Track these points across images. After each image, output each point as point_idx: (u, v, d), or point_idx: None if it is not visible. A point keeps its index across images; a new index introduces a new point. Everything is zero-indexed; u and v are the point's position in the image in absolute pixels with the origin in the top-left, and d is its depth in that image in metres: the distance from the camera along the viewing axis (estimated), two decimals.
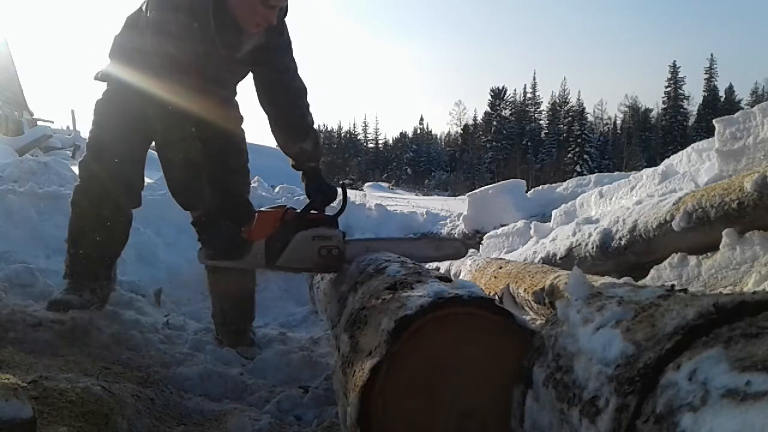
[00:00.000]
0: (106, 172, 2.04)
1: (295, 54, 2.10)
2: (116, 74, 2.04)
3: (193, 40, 1.80)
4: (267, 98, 2.10)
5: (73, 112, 17.85)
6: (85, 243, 2.08)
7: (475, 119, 67.73)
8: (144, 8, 1.90)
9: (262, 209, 1.88)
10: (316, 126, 2.20)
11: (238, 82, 2.18)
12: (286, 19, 2.04)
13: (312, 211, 1.88)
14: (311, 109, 2.14)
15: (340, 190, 1.99)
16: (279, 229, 1.76)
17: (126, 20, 2.06)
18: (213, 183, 2.01)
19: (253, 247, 1.78)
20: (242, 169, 2.24)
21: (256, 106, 2.13)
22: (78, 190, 2.12)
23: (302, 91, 2.11)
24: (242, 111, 2.27)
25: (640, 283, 1.89)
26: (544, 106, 64.79)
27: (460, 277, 2.95)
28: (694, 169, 3.33)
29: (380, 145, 72.55)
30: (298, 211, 1.86)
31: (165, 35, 1.78)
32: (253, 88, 2.13)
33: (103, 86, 2.11)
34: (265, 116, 2.12)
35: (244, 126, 2.27)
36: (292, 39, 2.09)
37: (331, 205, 2.02)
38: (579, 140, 51.82)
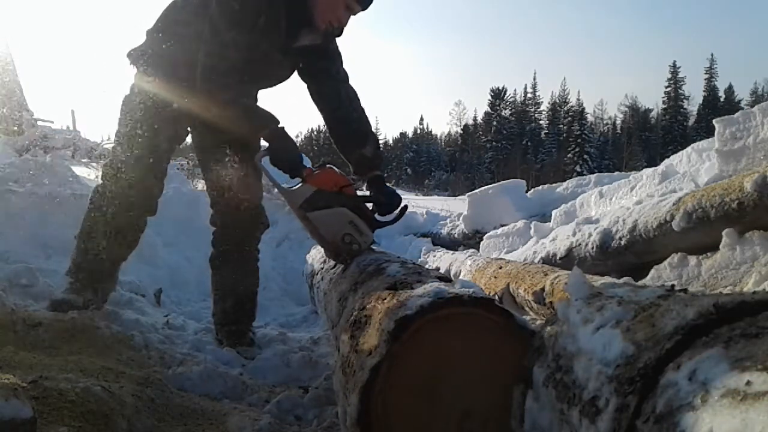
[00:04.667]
0: (130, 178, 2.05)
1: None
2: (147, 65, 2.04)
3: (258, 6, 1.82)
4: (323, 104, 2.10)
5: (73, 112, 17.84)
6: (96, 245, 2.09)
7: (475, 119, 67.77)
8: None
9: (332, 167, 1.85)
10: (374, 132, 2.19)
11: (276, 82, 2.18)
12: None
13: (368, 205, 1.86)
14: (367, 114, 2.14)
15: (401, 207, 1.96)
16: (333, 192, 1.75)
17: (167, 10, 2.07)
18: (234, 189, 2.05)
19: (302, 186, 1.77)
20: (258, 173, 2.24)
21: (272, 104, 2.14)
22: (99, 190, 2.13)
23: (355, 96, 2.12)
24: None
25: (640, 283, 1.89)
26: (544, 106, 64.85)
27: (460, 277, 2.94)
28: (694, 169, 3.32)
29: (380, 145, 72.48)
30: (360, 194, 1.85)
31: None
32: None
33: (130, 77, 2.11)
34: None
35: None
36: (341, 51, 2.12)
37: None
38: (579, 140, 51.81)
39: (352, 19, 1.95)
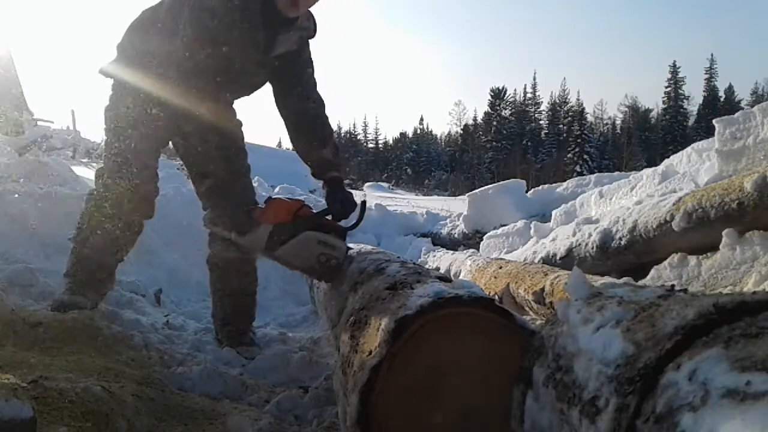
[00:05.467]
0: (123, 186, 2.04)
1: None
2: (123, 74, 2.04)
3: (231, 22, 1.81)
4: (288, 106, 2.11)
5: (73, 112, 17.81)
6: (92, 249, 2.09)
7: (475, 119, 67.75)
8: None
9: (279, 197, 1.86)
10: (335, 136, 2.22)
11: (251, 91, 2.18)
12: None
13: (327, 218, 1.87)
14: (330, 121, 2.17)
15: (359, 206, 1.97)
16: (289, 221, 1.75)
17: (141, 15, 2.07)
18: (222, 188, 2.03)
19: (259, 229, 1.76)
20: (247, 173, 2.24)
21: (257, 107, 2.15)
22: (92, 200, 2.12)
23: (321, 103, 2.14)
24: (248, 112, 2.30)
25: (640, 283, 1.89)
26: (544, 106, 64.84)
27: (460, 277, 2.95)
28: (694, 169, 3.33)
29: (380, 145, 72.57)
30: (315, 212, 1.85)
31: (205, 9, 1.80)
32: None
33: (107, 88, 2.11)
34: (285, 127, 2.14)
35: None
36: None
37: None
38: (579, 140, 51.80)
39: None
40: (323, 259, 1.72)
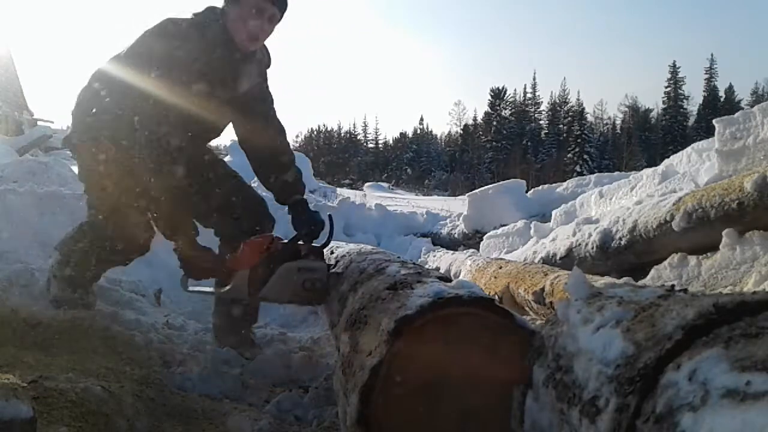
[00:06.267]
0: (114, 238, 2.04)
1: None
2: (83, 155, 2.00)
3: (197, 59, 1.79)
4: (254, 140, 2.10)
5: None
6: (84, 265, 2.12)
7: (475, 119, 67.72)
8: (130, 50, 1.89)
9: (246, 241, 1.84)
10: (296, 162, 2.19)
11: (213, 137, 2.19)
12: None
13: (299, 243, 1.86)
14: (290, 147, 2.18)
15: (327, 221, 1.95)
16: (264, 260, 1.75)
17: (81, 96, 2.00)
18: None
19: (236, 277, 1.76)
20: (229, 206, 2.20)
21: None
22: (84, 229, 2.11)
23: (283, 132, 2.15)
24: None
25: (640, 283, 1.89)
26: (544, 106, 64.80)
27: (460, 277, 2.95)
28: (694, 169, 3.33)
29: (380, 145, 72.58)
30: (285, 241, 1.84)
31: (170, 40, 1.79)
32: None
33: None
34: (247, 157, 2.14)
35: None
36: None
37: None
38: (579, 140, 51.80)
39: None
40: (308, 285, 1.72)
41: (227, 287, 1.80)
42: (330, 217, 1.94)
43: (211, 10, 1.90)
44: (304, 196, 2.13)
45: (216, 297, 2.28)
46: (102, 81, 1.94)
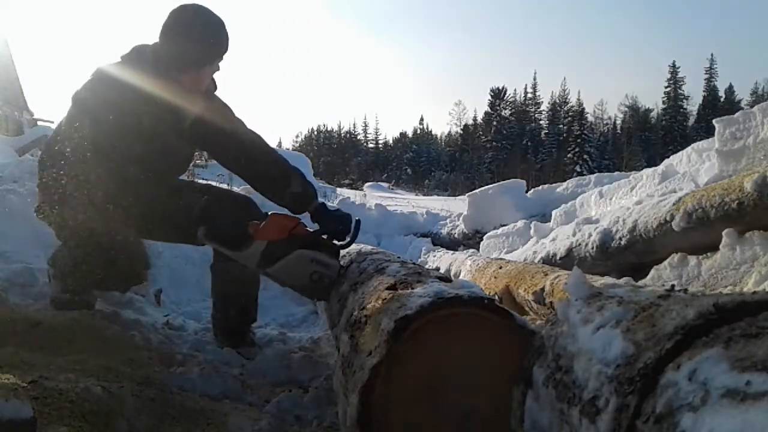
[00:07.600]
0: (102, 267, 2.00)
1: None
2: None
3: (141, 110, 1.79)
4: (235, 165, 2.06)
5: None
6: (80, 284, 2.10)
7: (475, 119, 67.76)
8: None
9: (277, 213, 1.83)
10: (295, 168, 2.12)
11: (186, 165, 2.18)
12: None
13: (323, 236, 1.85)
14: (279, 154, 2.10)
15: (353, 224, 1.93)
16: (284, 239, 1.74)
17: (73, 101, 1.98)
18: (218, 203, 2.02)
19: (253, 244, 1.76)
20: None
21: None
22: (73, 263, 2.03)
23: (260, 141, 2.08)
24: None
25: (640, 283, 1.89)
26: (544, 106, 64.90)
27: (460, 277, 2.95)
28: (694, 169, 3.33)
29: (380, 145, 72.54)
30: (310, 230, 1.83)
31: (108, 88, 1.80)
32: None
33: None
34: (247, 183, 2.10)
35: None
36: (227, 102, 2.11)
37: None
38: (579, 140, 51.81)
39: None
40: (315, 278, 1.72)
41: (240, 251, 1.78)
42: (358, 221, 1.92)
43: (138, 50, 1.91)
44: (320, 200, 2.07)
45: (215, 297, 2.28)
46: (76, 107, 1.93)
